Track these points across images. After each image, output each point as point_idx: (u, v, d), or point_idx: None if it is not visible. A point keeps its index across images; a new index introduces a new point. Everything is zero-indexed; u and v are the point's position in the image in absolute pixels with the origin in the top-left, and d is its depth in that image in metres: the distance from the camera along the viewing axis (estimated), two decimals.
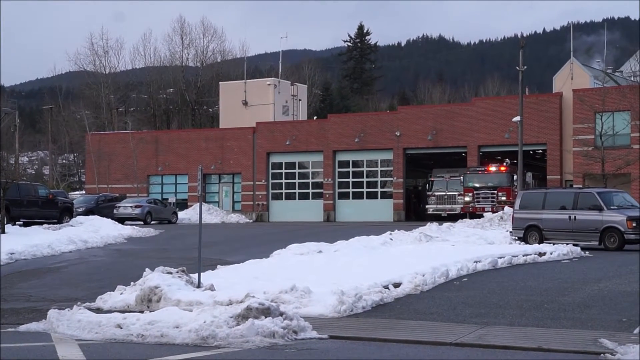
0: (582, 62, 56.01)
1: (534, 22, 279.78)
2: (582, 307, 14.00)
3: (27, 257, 25.67)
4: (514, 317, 13.22)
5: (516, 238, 27.99)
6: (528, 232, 27.60)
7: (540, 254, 22.82)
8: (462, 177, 46.03)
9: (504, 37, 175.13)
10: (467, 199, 45.39)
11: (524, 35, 47.43)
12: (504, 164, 46.40)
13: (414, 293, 16.03)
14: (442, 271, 17.96)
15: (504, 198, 43.88)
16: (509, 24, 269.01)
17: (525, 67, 41.18)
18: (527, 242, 27.05)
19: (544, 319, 13.04)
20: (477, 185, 45.17)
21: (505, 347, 11.04)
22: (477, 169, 46.51)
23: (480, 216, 40.30)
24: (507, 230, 30.39)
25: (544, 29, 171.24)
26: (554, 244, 25.52)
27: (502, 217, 36.52)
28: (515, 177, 43.38)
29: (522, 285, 17.13)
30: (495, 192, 44.47)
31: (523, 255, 22.12)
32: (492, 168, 45.62)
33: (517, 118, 40.48)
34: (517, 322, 12.84)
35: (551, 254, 23.05)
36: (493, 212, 41.99)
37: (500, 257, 21.26)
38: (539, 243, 26.47)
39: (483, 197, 44.83)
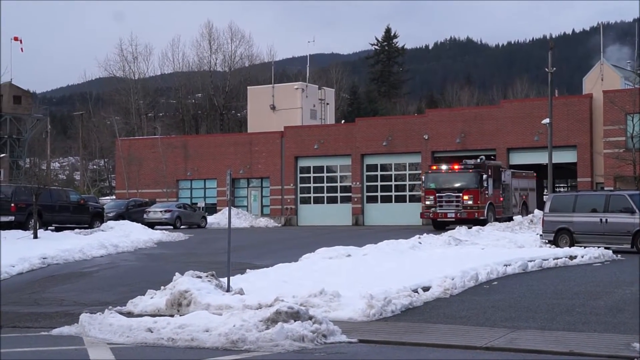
0: (613, 64, 55.37)
1: (563, 23, 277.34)
2: (614, 311, 13.84)
3: (59, 262, 25.96)
4: (544, 321, 13.11)
5: (546, 241, 27.74)
6: (559, 236, 27.33)
7: (571, 258, 22.62)
8: (423, 177, 40.92)
9: (533, 38, 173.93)
10: (427, 202, 39.31)
11: (553, 36, 47.09)
12: (475, 161, 40.56)
13: (444, 297, 15.96)
14: (472, 275, 17.86)
15: (470, 202, 37.84)
16: (537, 26, 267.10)
17: (555, 68, 40.84)
18: (557, 246, 26.78)
19: (576, 323, 12.92)
20: (440, 186, 38.90)
21: (537, 351, 10.95)
22: (441, 167, 40.08)
23: (446, 223, 37.57)
24: (537, 234, 30.14)
25: (573, 30, 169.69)
26: (585, 247, 25.25)
27: (532, 221, 36.22)
28: (484, 176, 38.41)
29: (552, 289, 16.98)
30: (460, 195, 38.24)
31: (554, 259, 21.93)
32: (458, 166, 39.55)
33: (547, 120, 40.13)
34: (548, 326, 12.72)
35: (582, 257, 22.83)
36: (457, 218, 38.08)
37: (531, 261, 21.10)
38: (570, 246, 26.19)
39: (446, 201, 38.51)
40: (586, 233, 26.72)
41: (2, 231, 32.67)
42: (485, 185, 38.34)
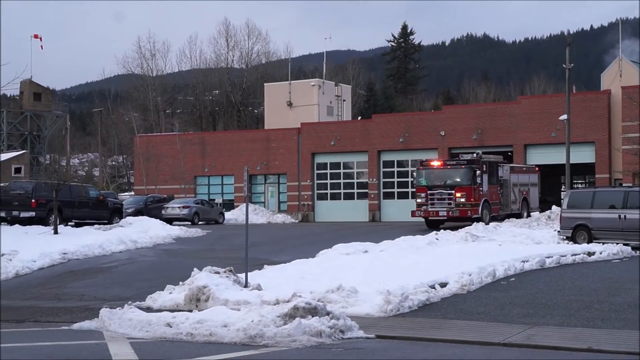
0: (631, 59, 54.89)
1: (581, 19, 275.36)
2: (633, 307, 13.73)
3: (79, 257, 26.16)
4: (563, 318, 13.03)
5: (564, 238, 27.57)
6: (576, 232, 27.16)
7: (590, 254, 22.48)
8: (414, 174, 38.76)
9: (550, 34, 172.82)
10: (419, 200, 37.03)
11: (571, 32, 46.44)
12: (470, 156, 38.56)
13: (461, 293, 15.91)
14: (489, 271, 17.80)
15: (463, 200, 35.74)
16: (555, 22, 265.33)
17: (572, 64, 40.53)
18: (575, 242, 26.62)
19: (594, 319, 12.83)
20: (432, 183, 36.74)
21: (555, 347, 10.89)
22: (433, 163, 37.96)
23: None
24: (555, 230, 29.96)
25: (591, 26, 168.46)
26: (603, 243, 25.09)
27: (549, 217, 35.98)
28: (478, 172, 36.12)
29: (570, 285, 16.88)
30: (453, 192, 36.07)
31: (571, 255, 21.81)
32: (450, 162, 37.90)
33: (564, 116, 39.81)
34: (567, 322, 12.65)
35: (600, 253, 22.68)
36: (449, 217, 36.01)
37: (548, 257, 20.99)
38: (588, 243, 26.04)
39: (438, 199, 36.30)
40: (604, 229, 26.51)
41: (23, 226, 32.99)
42: (479, 181, 36.12)
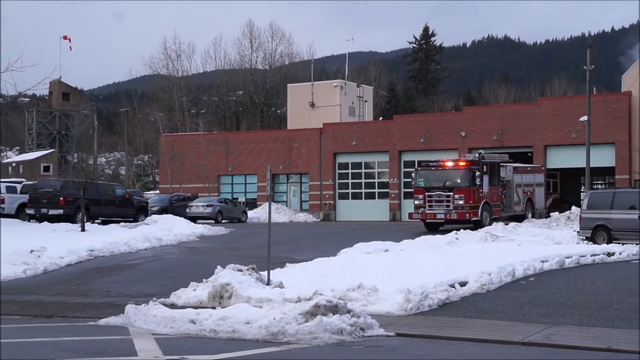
0: None
1: (602, 21, 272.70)
2: None
3: (105, 254, 26.36)
4: (582, 317, 12.93)
5: (584, 238, 27.34)
6: (596, 232, 26.93)
7: (609, 254, 22.27)
8: (413, 175, 37.24)
9: (571, 36, 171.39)
10: (416, 202, 35.52)
11: (591, 34, 46.20)
12: (466, 157, 37.29)
13: (480, 292, 15.84)
14: (509, 270, 17.70)
15: (461, 202, 34.14)
16: (575, 23, 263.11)
17: (593, 66, 40.17)
18: (595, 242, 26.40)
19: (613, 319, 12.72)
20: (430, 185, 35.24)
21: (574, 347, 10.81)
22: (430, 164, 36.41)
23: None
24: (575, 230, 29.70)
25: (613, 28, 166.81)
26: (623, 244, 24.85)
27: (569, 217, 35.71)
28: (477, 174, 34.55)
29: (590, 285, 16.74)
30: (451, 194, 34.47)
31: (591, 255, 21.62)
32: (449, 163, 35.72)
33: (585, 117, 39.47)
34: (586, 322, 12.55)
35: (620, 254, 22.47)
36: (446, 220, 34.53)
37: (568, 257, 20.83)
38: (608, 243, 25.80)
39: (436, 201, 34.75)
40: (624, 230, 26.27)
41: (51, 223, 33.32)
42: (479, 183, 34.56)
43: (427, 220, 35.29)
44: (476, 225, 33.18)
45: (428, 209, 34.87)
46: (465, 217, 34.30)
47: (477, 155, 37.04)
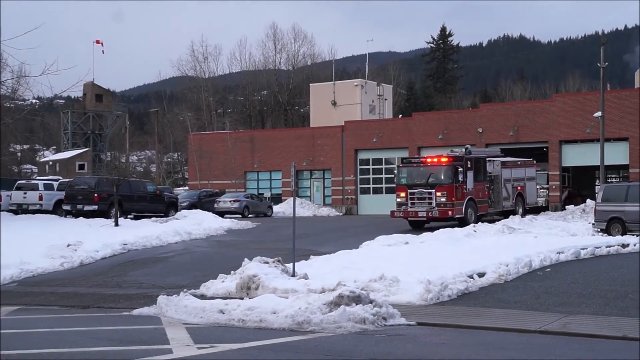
0: None
1: (615, 19, 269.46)
2: None
3: (138, 248, 26.55)
4: (598, 307, 12.82)
5: (599, 230, 27.10)
6: (611, 224, 26.69)
7: (624, 246, 22.06)
8: (395, 171, 35.23)
9: (585, 34, 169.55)
10: (398, 200, 33.47)
11: (605, 32, 45.55)
12: (453, 152, 35.29)
13: (498, 282, 15.77)
14: (526, 261, 17.59)
15: (443, 199, 31.92)
16: (589, 22, 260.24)
17: (607, 63, 39.73)
18: (609, 234, 26.17)
19: (629, 308, 12.60)
20: (412, 182, 33.08)
21: (590, 335, 10.73)
22: (412, 160, 34.63)
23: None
24: (590, 223, 29.45)
25: (626, 26, 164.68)
26: (637, 235, 24.60)
27: (584, 210, 35.44)
28: (460, 170, 32.38)
29: (605, 275, 16.59)
30: (433, 191, 32.26)
31: (606, 247, 21.43)
32: (431, 159, 33.49)
33: (599, 113, 39.07)
34: (601, 311, 12.45)
35: (634, 245, 22.24)
36: (428, 217, 32.20)
37: (583, 249, 20.66)
38: (622, 235, 25.56)
39: (418, 198, 32.52)
40: (638, 222, 26.00)
41: (86, 219, 33.64)
42: (462, 179, 32.35)
43: (409, 218, 33.06)
44: (461, 223, 31.30)
45: (410, 207, 32.72)
46: (447, 214, 32.08)
47: (464, 149, 34.92)
